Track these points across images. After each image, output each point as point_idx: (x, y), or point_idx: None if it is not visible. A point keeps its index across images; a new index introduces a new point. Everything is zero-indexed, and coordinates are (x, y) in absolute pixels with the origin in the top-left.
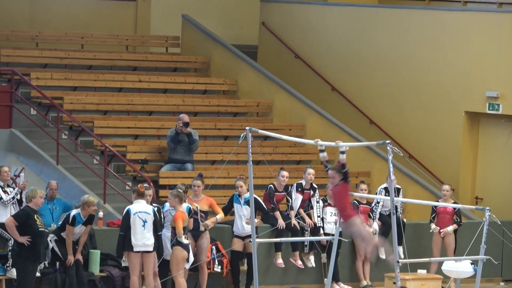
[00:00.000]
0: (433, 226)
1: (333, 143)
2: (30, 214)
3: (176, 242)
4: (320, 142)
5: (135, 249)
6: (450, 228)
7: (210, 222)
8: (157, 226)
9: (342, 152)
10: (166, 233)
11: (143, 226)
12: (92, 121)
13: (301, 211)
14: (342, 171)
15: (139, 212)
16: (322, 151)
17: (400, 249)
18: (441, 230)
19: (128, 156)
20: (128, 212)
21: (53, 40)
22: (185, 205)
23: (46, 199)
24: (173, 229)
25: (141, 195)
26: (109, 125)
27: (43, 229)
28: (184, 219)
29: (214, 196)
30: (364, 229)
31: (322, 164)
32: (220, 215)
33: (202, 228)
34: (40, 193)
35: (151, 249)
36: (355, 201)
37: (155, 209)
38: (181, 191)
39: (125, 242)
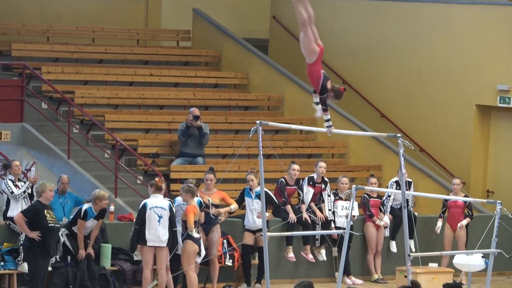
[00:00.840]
0: (439, 223)
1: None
2: (40, 209)
3: (187, 236)
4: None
5: (148, 244)
6: (464, 222)
7: (223, 210)
8: (173, 222)
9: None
10: (178, 227)
11: (159, 221)
12: (103, 115)
13: (312, 204)
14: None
15: (155, 207)
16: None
17: (412, 242)
18: (458, 225)
19: (139, 150)
20: (145, 206)
21: (64, 34)
22: (196, 199)
23: (57, 193)
24: (184, 223)
25: (159, 189)
26: (120, 119)
27: (53, 225)
28: (196, 213)
29: (225, 189)
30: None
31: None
32: (234, 205)
33: (213, 212)
34: (49, 187)
35: (164, 244)
36: (366, 195)
37: (171, 204)
38: (192, 185)
39: (139, 236)
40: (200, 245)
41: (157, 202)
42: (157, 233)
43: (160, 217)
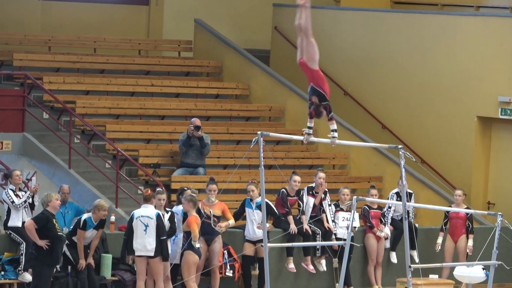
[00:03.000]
0: (439, 239)
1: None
2: (49, 218)
3: (187, 247)
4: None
5: (136, 253)
6: (470, 242)
7: (224, 225)
8: (160, 231)
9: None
10: (179, 236)
11: (145, 230)
12: (105, 125)
13: (313, 215)
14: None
15: (142, 216)
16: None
17: (415, 253)
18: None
19: (140, 160)
20: (132, 216)
21: (65, 44)
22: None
23: None
24: (185, 233)
25: (147, 200)
26: (121, 129)
27: (61, 234)
28: (198, 224)
29: (226, 200)
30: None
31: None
32: (232, 221)
33: (218, 229)
34: (55, 196)
35: (151, 254)
36: (366, 206)
37: (160, 213)
38: (194, 195)
39: (127, 246)
40: (200, 255)
41: (144, 212)
42: (143, 242)
43: (146, 226)
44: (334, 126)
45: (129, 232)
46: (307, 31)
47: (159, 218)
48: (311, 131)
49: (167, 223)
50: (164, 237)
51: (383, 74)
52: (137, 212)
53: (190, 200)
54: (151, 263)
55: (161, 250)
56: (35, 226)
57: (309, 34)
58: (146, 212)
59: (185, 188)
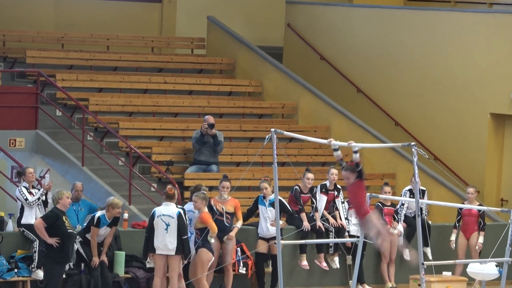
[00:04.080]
0: (453, 236)
1: (345, 143)
2: (59, 215)
3: (201, 244)
4: (333, 142)
5: (157, 252)
6: (481, 239)
7: (233, 233)
8: (182, 230)
9: (355, 152)
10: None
11: (166, 229)
12: (118, 123)
13: (325, 212)
14: (355, 169)
15: (163, 215)
16: (336, 150)
17: (428, 250)
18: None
19: (153, 157)
20: (153, 214)
21: (78, 41)
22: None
23: (71, 200)
24: (198, 230)
25: (170, 198)
26: (134, 126)
27: (71, 231)
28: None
29: (239, 197)
30: (380, 224)
31: (337, 162)
32: (240, 222)
33: (225, 240)
34: (66, 194)
35: (173, 253)
36: (379, 203)
37: (181, 212)
38: (205, 193)
39: (149, 243)
40: (213, 252)
41: (165, 210)
42: (164, 241)
43: (167, 225)
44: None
45: (150, 230)
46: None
47: (180, 217)
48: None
49: None
50: (186, 236)
51: (396, 71)
52: (158, 210)
53: (203, 198)
54: (169, 259)
55: (182, 249)
56: (44, 224)
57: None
58: (168, 211)
59: (201, 186)
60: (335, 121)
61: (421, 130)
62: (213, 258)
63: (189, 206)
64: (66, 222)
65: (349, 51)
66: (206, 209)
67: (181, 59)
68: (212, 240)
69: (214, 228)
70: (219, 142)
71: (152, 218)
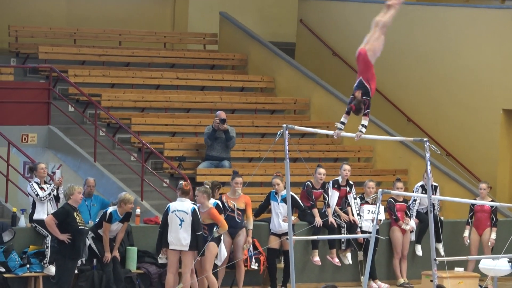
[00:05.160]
0: (466, 232)
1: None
2: (70, 211)
3: (212, 239)
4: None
5: (171, 247)
6: (493, 235)
7: (250, 238)
8: (196, 226)
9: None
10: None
11: (180, 225)
12: (130, 118)
13: (337, 208)
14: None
15: (177, 210)
16: (340, 129)
17: (440, 246)
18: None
19: (166, 153)
20: (167, 209)
21: (91, 37)
22: (212, 201)
23: (84, 196)
24: (206, 226)
25: (185, 193)
26: (147, 122)
27: (82, 227)
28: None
29: (251, 193)
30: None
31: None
32: (251, 221)
33: (245, 247)
34: (77, 189)
35: (186, 248)
36: (391, 199)
37: (196, 208)
38: (208, 187)
39: (162, 239)
40: (221, 248)
41: (180, 206)
42: (178, 236)
43: (181, 220)
44: (366, 123)
45: (164, 225)
46: (384, 28)
47: (194, 213)
48: (343, 127)
49: None
50: (200, 232)
51: (408, 67)
52: (172, 206)
53: (204, 192)
54: (182, 255)
55: (196, 245)
56: (55, 221)
57: (384, 32)
58: (182, 207)
59: (217, 182)
60: (350, 119)
61: (433, 126)
62: (226, 254)
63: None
64: (78, 218)
65: None
66: (210, 204)
67: (194, 54)
68: (216, 235)
69: (225, 225)
70: (231, 138)
71: (166, 213)
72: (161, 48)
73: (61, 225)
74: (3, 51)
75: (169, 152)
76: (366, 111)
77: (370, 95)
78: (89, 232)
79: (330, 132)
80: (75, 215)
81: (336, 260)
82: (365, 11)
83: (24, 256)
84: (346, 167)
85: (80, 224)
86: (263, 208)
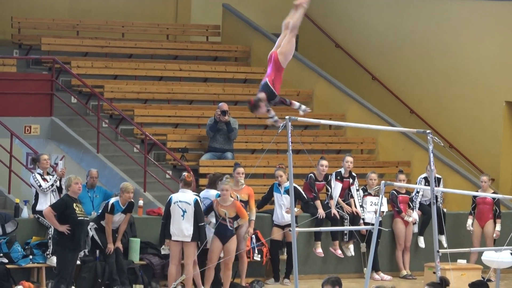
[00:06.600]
0: (469, 221)
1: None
2: (69, 203)
3: (234, 232)
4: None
5: (173, 238)
6: (498, 227)
7: (251, 229)
8: (198, 217)
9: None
10: (212, 221)
11: (182, 216)
12: (133, 110)
13: (340, 199)
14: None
15: (180, 201)
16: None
17: (443, 237)
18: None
19: (168, 144)
20: (170, 200)
21: (93, 28)
22: (215, 192)
23: (87, 187)
24: (232, 219)
25: (187, 185)
26: (150, 113)
27: (82, 218)
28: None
29: (254, 185)
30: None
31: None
32: (253, 212)
33: (245, 237)
34: (75, 180)
35: (188, 239)
36: (394, 191)
37: (198, 199)
38: (229, 181)
39: (165, 230)
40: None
41: (182, 197)
42: (180, 227)
43: (184, 211)
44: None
45: (166, 216)
46: (294, 30)
47: (197, 204)
48: (275, 117)
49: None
50: (202, 223)
51: (411, 59)
52: (175, 197)
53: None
54: (185, 246)
55: (198, 236)
56: (54, 212)
57: (294, 34)
58: (184, 198)
59: (219, 174)
60: (350, 109)
61: (436, 118)
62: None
63: (205, 193)
64: (78, 209)
65: (364, 39)
66: (234, 198)
67: (196, 46)
68: (236, 225)
69: (246, 216)
70: (233, 129)
71: (168, 204)
72: (164, 40)
73: (60, 216)
74: (6, 42)
75: (172, 144)
76: (289, 101)
77: (276, 96)
78: (92, 224)
79: (334, 123)
80: (75, 206)
81: (339, 252)
82: (367, 3)
83: (27, 247)
84: (349, 158)
85: (80, 215)
86: (266, 200)
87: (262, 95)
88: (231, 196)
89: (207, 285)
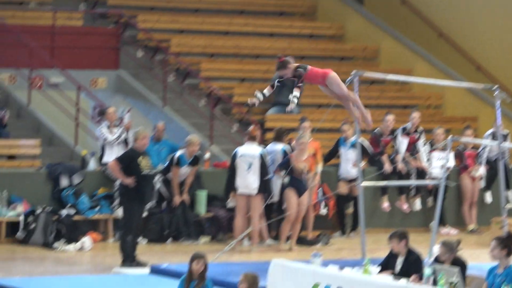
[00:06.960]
0: None
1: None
2: (134, 156)
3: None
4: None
5: (239, 191)
6: None
7: (316, 181)
8: (263, 170)
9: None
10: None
11: (248, 169)
12: (199, 64)
13: (406, 154)
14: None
15: (245, 155)
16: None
17: (510, 193)
18: None
19: (235, 98)
20: (235, 154)
21: None
22: (280, 146)
23: (153, 140)
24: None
25: (252, 138)
26: (216, 67)
27: (148, 172)
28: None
29: (320, 139)
30: (344, 88)
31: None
32: (320, 165)
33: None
34: (142, 134)
35: (254, 192)
36: (461, 146)
37: (264, 152)
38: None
39: (231, 183)
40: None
41: (247, 150)
42: (246, 181)
43: (250, 164)
44: (298, 94)
45: (231, 170)
46: (350, 99)
47: (262, 157)
48: (261, 98)
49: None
50: (268, 176)
51: (479, 14)
52: (240, 150)
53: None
54: (251, 199)
55: (264, 189)
56: (119, 165)
57: (348, 99)
58: (250, 151)
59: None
60: (417, 65)
61: (504, 73)
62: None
63: (271, 147)
64: (143, 162)
65: None
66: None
67: (262, 1)
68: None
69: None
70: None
71: (234, 158)
72: None
73: (126, 169)
74: None
75: (238, 98)
76: (299, 84)
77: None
78: (159, 176)
79: (401, 78)
80: (140, 160)
81: (405, 206)
82: None
83: (94, 198)
84: (415, 114)
85: (145, 169)
86: (332, 154)
87: (295, 64)
88: None
89: (283, 238)
